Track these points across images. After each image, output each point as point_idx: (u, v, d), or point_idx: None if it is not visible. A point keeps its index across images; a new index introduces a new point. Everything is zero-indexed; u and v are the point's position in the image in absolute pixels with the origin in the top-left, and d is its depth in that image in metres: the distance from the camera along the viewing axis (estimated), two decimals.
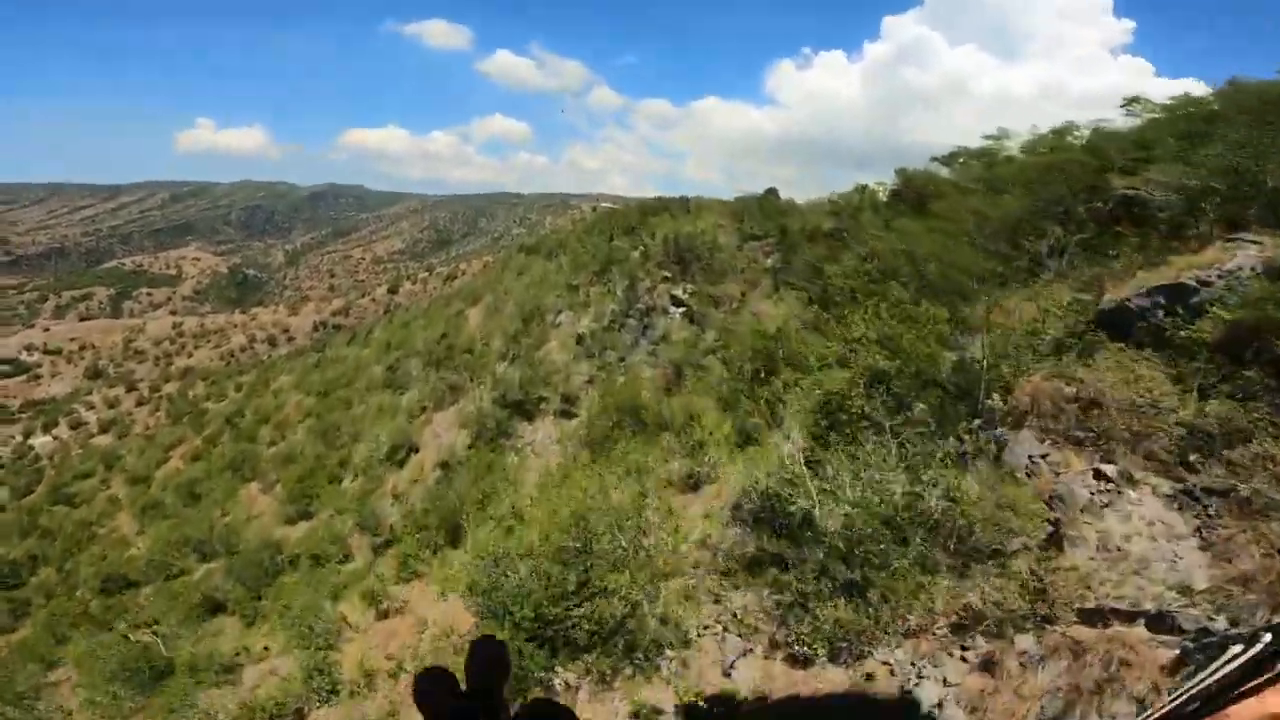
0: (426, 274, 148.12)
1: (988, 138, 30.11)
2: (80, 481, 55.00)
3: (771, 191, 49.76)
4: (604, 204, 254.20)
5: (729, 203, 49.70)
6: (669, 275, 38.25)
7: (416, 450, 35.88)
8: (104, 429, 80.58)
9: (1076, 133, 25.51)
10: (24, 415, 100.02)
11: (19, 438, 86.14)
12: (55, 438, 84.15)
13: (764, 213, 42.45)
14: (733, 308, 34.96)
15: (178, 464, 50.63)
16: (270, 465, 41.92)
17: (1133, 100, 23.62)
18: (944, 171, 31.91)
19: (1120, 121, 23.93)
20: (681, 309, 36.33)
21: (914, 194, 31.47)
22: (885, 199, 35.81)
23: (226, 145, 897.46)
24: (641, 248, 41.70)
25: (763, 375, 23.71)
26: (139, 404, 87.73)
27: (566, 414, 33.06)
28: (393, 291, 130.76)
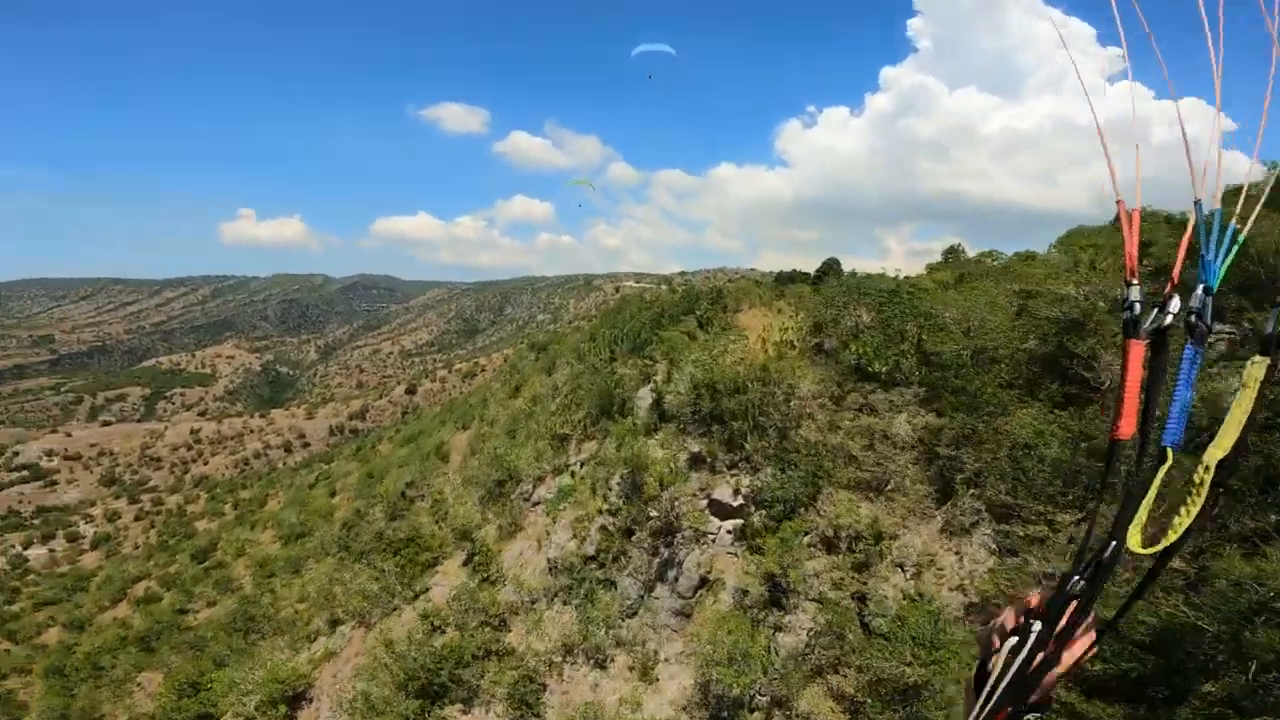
0: (446, 371, 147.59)
1: None
2: (31, 614, 52.97)
3: (832, 263, 40.23)
4: (627, 284, 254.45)
5: (790, 287, 37.87)
6: (707, 454, 23.75)
7: (307, 701, 26.06)
8: (95, 545, 79.12)
9: None
10: (35, 522, 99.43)
11: (18, 547, 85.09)
12: (50, 550, 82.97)
13: (888, 322, 24.85)
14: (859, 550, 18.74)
15: (117, 613, 47.98)
16: (175, 650, 37.36)
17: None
18: None
19: None
20: (733, 533, 21.70)
21: None
22: None
23: (267, 237, 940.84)
24: (653, 385, 28.64)
25: None
26: (137, 518, 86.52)
27: None
28: (410, 392, 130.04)
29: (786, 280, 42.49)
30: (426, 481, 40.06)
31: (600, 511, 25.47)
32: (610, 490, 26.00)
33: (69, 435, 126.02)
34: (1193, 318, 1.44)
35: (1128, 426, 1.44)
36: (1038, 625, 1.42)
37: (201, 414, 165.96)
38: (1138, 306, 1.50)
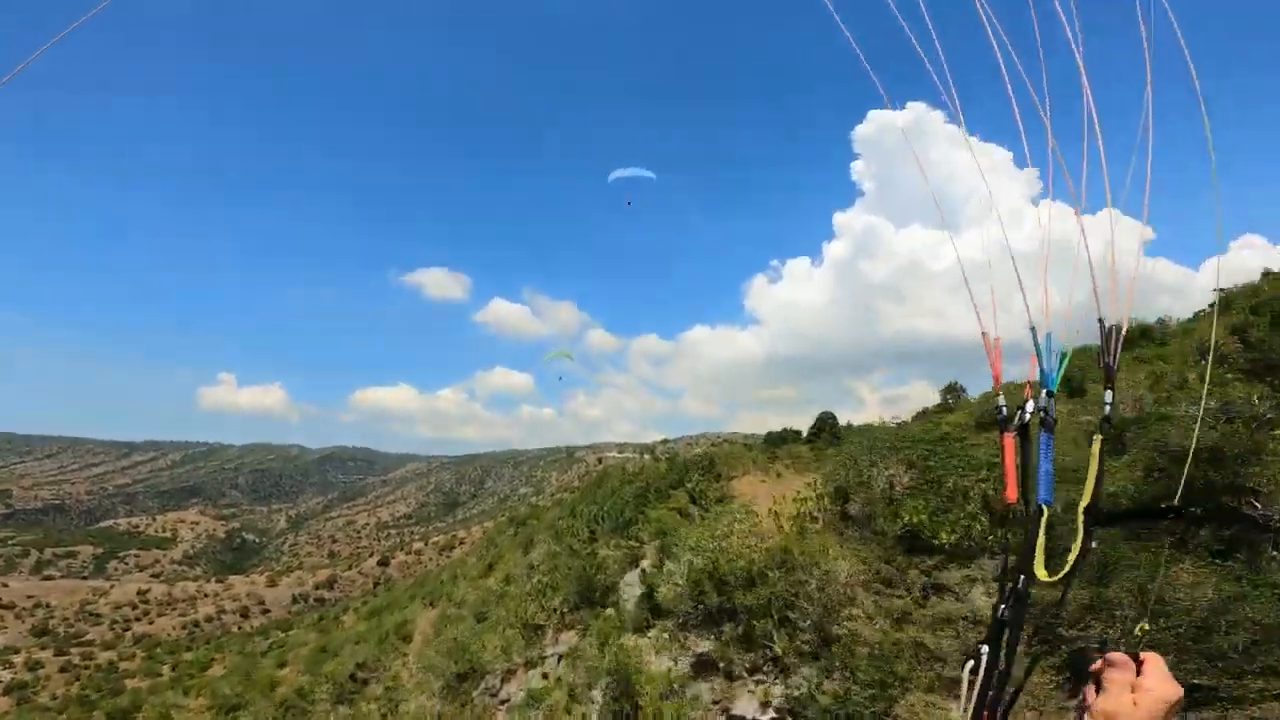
0: (422, 544, 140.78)
1: None
2: None
3: (827, 419, 38.24)
4: (609, 453, 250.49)
5: (784, 448, 35.20)
6: (719, 658, 19.59)
7: None
8: (7, 691, 69.87)
9: None
10: None
11: None
12: None
13: (938, 480, 21.61)
14: None
15: None
16: None
17: None
18: None
19: None
20: None
21: None
22: None
23: (247, 403, 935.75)
24: (641, 573, 25.13)
25: None
26: (63, 669, 77.48)
27: None
28: (384, 564, 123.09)
29: (778, 441, 40.41)
30: (382, 664, 36.02)
31: None
32: (593, 703, 21.25)
33: (5, 585, 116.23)
34: (1043, 413, 2.10)
35: (1011, 493, 2.08)
36: (985, 649, 1.82)
37: (155, 576, 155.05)
38: (1004, 410, 2.20)
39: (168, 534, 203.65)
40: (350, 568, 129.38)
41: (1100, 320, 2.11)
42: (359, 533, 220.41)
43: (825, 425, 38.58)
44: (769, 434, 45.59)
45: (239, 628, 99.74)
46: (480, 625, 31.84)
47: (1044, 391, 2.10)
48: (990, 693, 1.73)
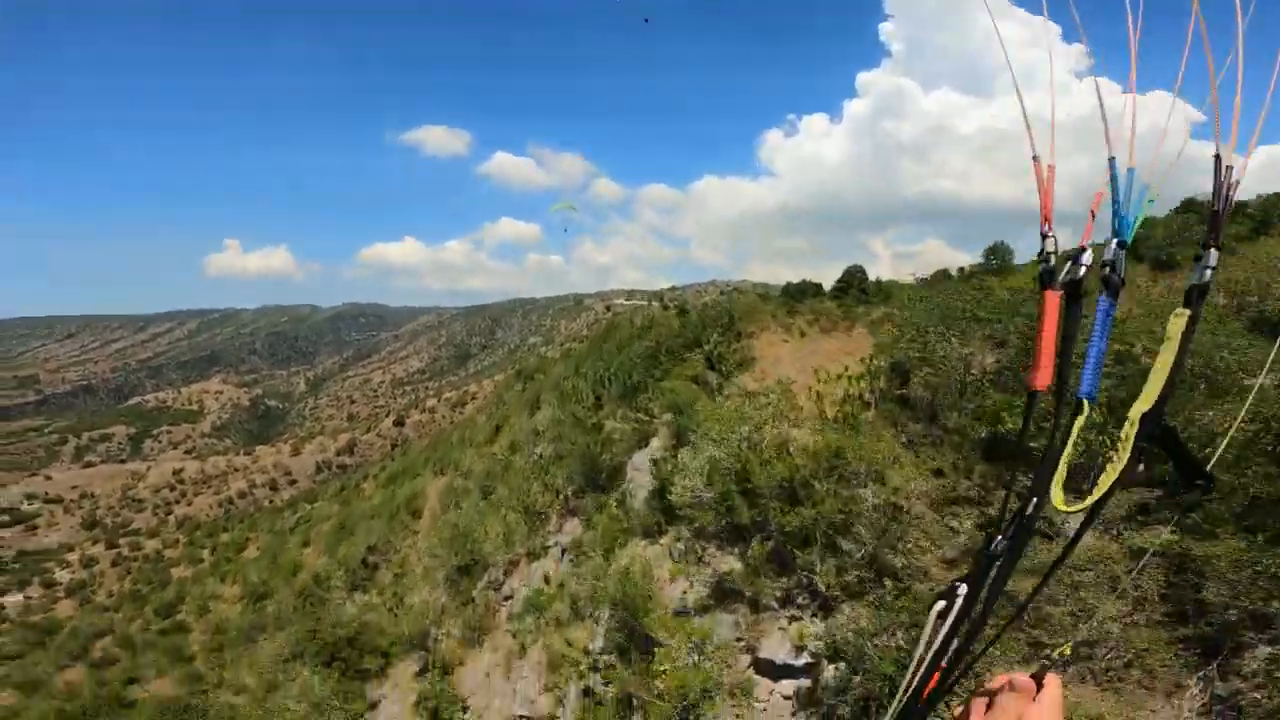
0: (435, 400, 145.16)
1: None
2: None
3: (856, 272, 34.15)
4: (617, 301, 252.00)
5: (805, 303, 31.78)
6: (744, 583, 16.29)
7: None
8: (70, 592, 76.23)
9: None
10: (14, 567, 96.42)
11: None
12: (27, 597, 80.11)
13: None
14: None
15: (71, 676, 45.26)
16: None
17: None
18: None
19: None
20: (795, 698, 14.61)
21: None
22: None
23: (255, 267, 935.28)
24: (652, 460, 22.03)
25: None
26: (114, 563, 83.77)
27: None
28: (399, 424, 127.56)
29: (797, 294, 37.04)
30: (393, 545, 37.34)
31: (583, 666, 18.48)
32: (598, 626, 18.89)
33: (49, 478, 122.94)
34: (1107, 270, 1.42)
35: (1044, 377, 1.40)
36: (963, 588, 1.39)
37: (188, 452, 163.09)
38: (1053, 258, 1.49)
39: (194, 406, 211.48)
40: (369, 430, 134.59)
41: (1216, 157, 1.38)
42: (375, 391, 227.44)
43: (853, 280, 35.23)
44: (787, 285, 42.57)
45: (270, 501, 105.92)
46: (483, 505, 31.18)
47: (1114, 240, 1.41)
48: (954, 645, 1.37)
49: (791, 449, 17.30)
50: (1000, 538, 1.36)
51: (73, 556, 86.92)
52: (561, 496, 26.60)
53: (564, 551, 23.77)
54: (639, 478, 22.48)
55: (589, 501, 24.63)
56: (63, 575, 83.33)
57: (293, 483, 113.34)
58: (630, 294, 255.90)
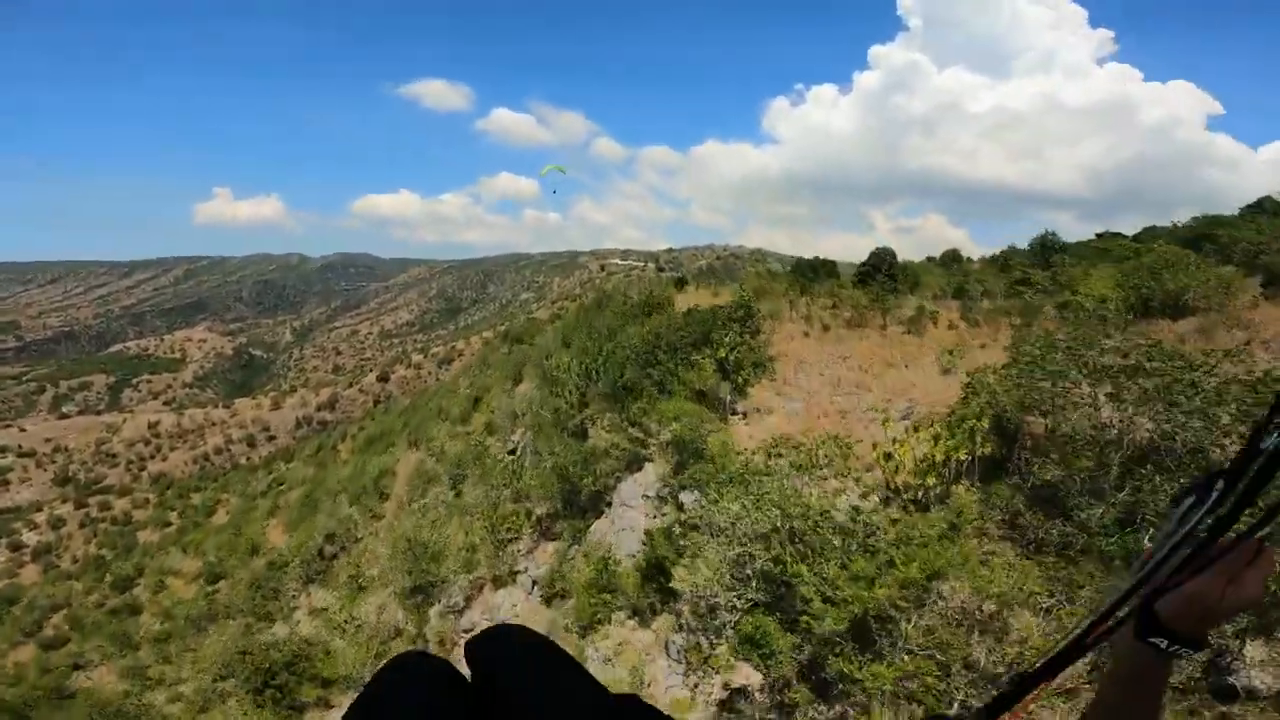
0: (421, 356, 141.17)
1: None
2: None
3: (886, 255, 29.67)
4: (612, 260, 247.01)
5: (819, 284, 28.61)
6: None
7: None
8: (35, 556, 73.14)
9: None
10: None
11: None
12: None
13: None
14: None
15: (21, 655, 42.10)
16: None
17: None
18: None
19: None
20: None
21: None
22: None
23: (245, 216, 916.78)
24: (650, 504, 18.40)
25: None
26: (82, 524, 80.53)
27: None
28: (383, 380, 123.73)
29: (809, 272, 32.91)
30: (354, 533, 33.75)
31: None
32: None
33: (23, 430, 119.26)
34: None
35: None
36: (1220, 484, 1.06)
37: (167, 403, 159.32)
38: None
39: (177, 354, 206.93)
40: (351, 385, 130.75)
41: None
42: (363, 343, 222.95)
43: (883, 264, 29.87)
44: (798, 262, 38.97)
45: (246, 459, 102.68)
46: (448, 503, 28.20)
47: None
48: (1181, 563, 1.04)
49: (861, 565, 10.98)
50: (1275, 429, 0.98)
51: (40, 517, 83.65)
52: (534, 517, 22.78)
53: (534, 584, 20.19)
54: (628, 517, 18.19)
55: (566, 528, 20.89)
56: (30, 537, 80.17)
57: (271, 439, 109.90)
58: (625, 254, 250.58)
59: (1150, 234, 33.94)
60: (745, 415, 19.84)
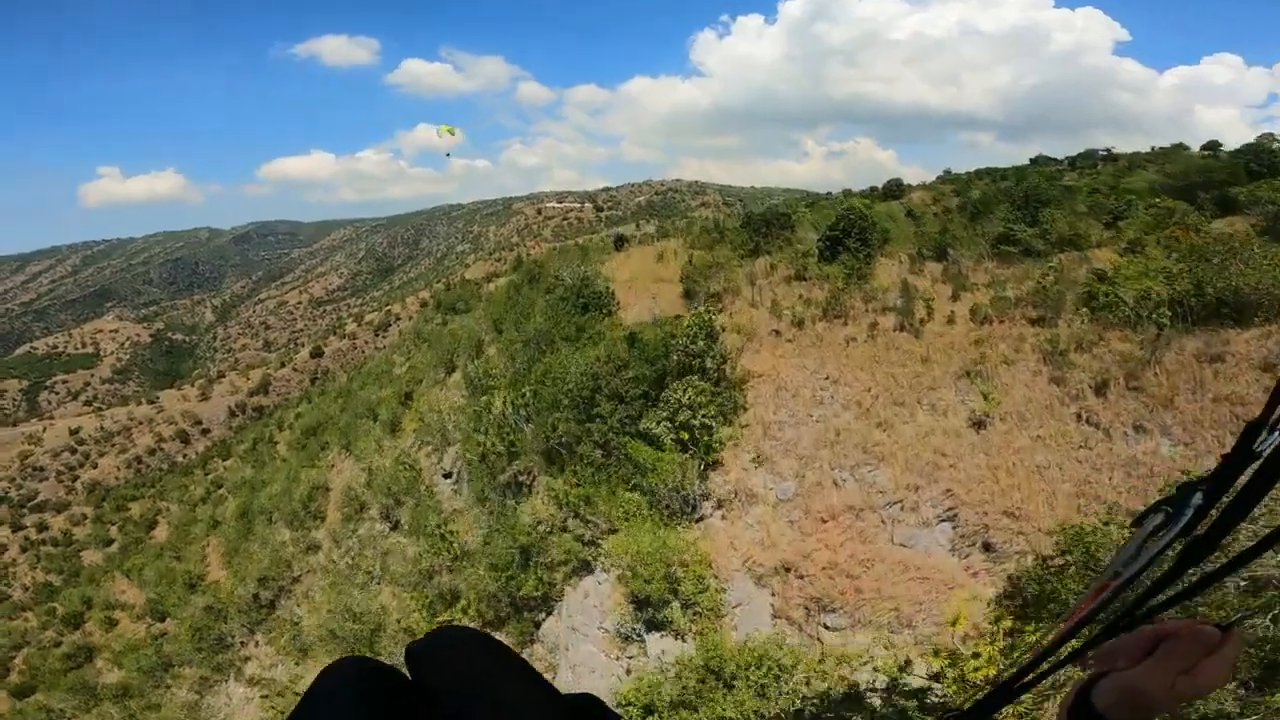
0: (355, 325, 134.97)
1: None
2: None
3: (855, 218, 26.36)
4: (549, 204, 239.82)
5: (778, 252, 26.59)
6: None
7: None
8: None
9: None
10: None
11: None
12: None
13: None
14: None
15: None
16: None
17: None
18: None
19: None
20: None
21: None
22: None
23: (140, 193, 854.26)
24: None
25: None
26: (23, 548, 75.19)
27: None
28: (317, 355, 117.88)
29: (760, 229, 29.15)
30: (290, 573, 30.97)
31: None
32: None
33: None
34: None
35: None
36: (1198, 497, 0.93)
37: (88, 403, 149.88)
38: None
39: (90, 349, 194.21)
40: (283, 365, 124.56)
41: None
42: (292, 313, 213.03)
43: (853, 227, 25.54)
44: (748, 217, 35.71)
45: (182, 457, 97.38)
46: (381, 559, 26.21)
47: None
48: (1159, 569, 0.94)
49: None
50: (1268, 431, 0.85)
51: None
52: (474, 609, 19.83)
53: None
54: (584, 652, 14.75)
55: (512, 627, 18.18)
56: None
57: (205, 431, 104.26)
58: (563, 195, 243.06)
59: (1086, 159, 34.10)
60: (721, 505, 16.01)
